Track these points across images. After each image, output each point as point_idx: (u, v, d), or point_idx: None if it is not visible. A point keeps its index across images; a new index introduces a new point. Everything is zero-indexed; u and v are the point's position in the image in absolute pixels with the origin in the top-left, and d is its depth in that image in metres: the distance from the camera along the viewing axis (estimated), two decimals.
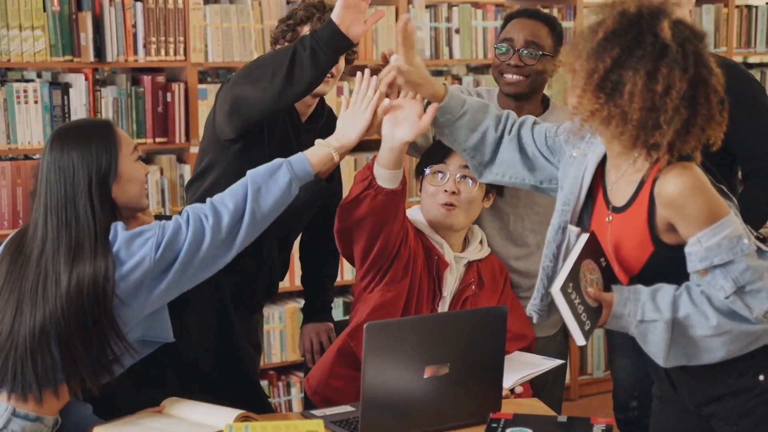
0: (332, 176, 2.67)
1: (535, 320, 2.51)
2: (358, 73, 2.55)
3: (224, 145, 2.90)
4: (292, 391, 4.44)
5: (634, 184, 2.24)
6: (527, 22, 3.02)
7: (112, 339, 2.24)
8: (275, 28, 3.07)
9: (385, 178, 2.57)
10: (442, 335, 2.38)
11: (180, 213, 2.34)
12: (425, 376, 2.33)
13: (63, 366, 2.22)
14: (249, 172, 2.35)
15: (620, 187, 2.27)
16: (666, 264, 2.21)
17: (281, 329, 4.40)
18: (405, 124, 2.53)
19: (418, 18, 4.56)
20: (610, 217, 2.29)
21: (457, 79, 4.75)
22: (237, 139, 2.83)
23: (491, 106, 2.58)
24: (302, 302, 4.37)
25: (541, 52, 2.97)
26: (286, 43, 3.00)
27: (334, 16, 2.59)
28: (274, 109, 2.72)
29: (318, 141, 2.45)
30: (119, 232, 2.28)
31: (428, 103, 2.57)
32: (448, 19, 4.66)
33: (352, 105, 2.55)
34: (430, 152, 2.88)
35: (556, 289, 2.12)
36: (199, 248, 2.28)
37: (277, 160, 2.38)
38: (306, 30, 2.97)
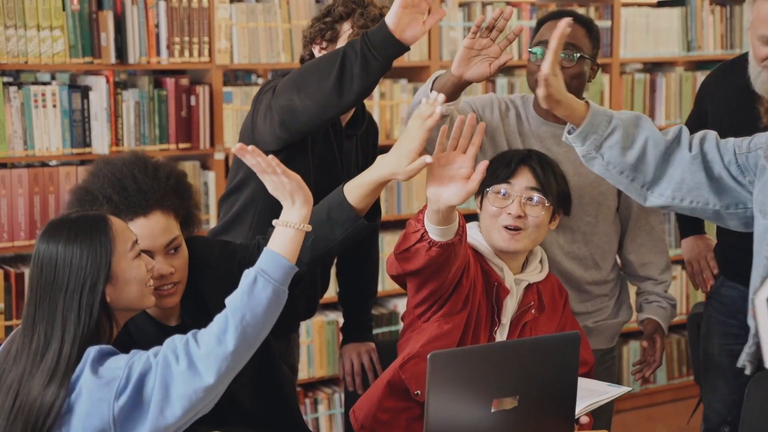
0: (376, 212, 2.44)
1: (747, 371, 2.25)
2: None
3: None
4: (320, 408, 4.25)
5: None
6: None
7: None
8: (310, 27, 2.84)
9: (437, 233, 2.32)
10: (511, 365, 2.19)
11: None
12: (492, 410, 2.14)
13: None
14: (226, 301, 2.04)
15: None
16: None
17: (309, 344, 4.20)
18: (452, 185, 2.22)
19: (450, 17, 4.37)
20: None
21: (490, 81, 4.55)
22: (279, 151, 2.64)
23: (645, 117, 2.29)
24: (330, 315, 4.24)
25: (579, 54, 2.78)
26: (324, 43, 2.81)
27: (389, 18, 2.37)
28: (323, 119, 2.52)
29: (275, 222, 2.13)
30: (86, 368, 1.96)
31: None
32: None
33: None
34: (493, 170, 2.64)
35: (761, 299, 1.86)
36: (168, 394, 1.94)
37: (247, 273, 2.05)
38: (346, 27, 2.77)
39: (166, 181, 2.30)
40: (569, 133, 2.33)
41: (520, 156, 2.67)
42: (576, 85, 2.78)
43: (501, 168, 2.63)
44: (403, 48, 2.40)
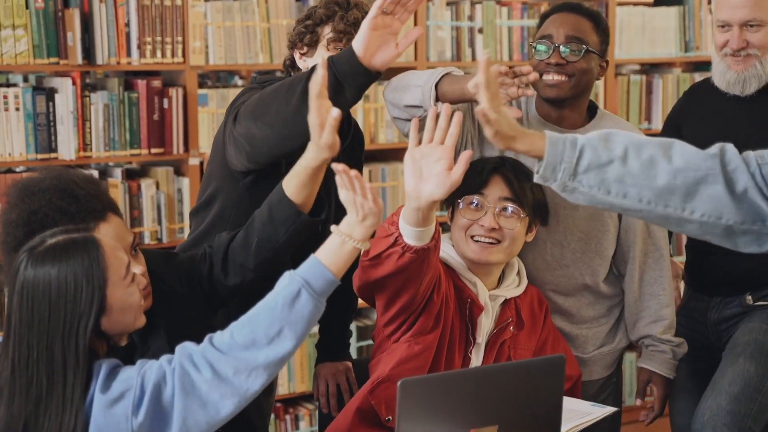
0: (321, 207, 2.26)
1: None
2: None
3: (233, 174, 2.53)
4: (301, 425, 4.07)
5: None
6: (568, 16, 2.64)
7: None
8: (292, 30, 2.69)
9: (413, 236, 2.14)
10: (489, 392, 2.01)
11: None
12: None
13: None
14: (257, 307, 1.87)
15: None
16: None
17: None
18: (432, 178, 2.06)
19: (438, 17, 4.20)
20: None
21: None
22: (248, 173, 2.47)
23: (615, 130, 2.03)
24: (312, 328, 4.05)
25: (585, 48, 2.59)
26: (304, 48, 2.65)
27: (356, 43, 2.18)
28: (285, 150, 2.31)
29: (333, 228, 1.94)
30: (97, 389, 1.85)
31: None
32: (471, 18, 4.29)
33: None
34: (464, 179, 2.47)
35: None
36: (190, 404, 1.85)
37: (289, 282, 1.87)
38: (326, 31, 2.61)
39: (101, 184, 2.21)
40: (536, 172, 2.05)
41: (492, 164, 2.49)
42: (585, 82, 2.61)
43: (473, 177, 2.43)
44: (374, 77, 2.23)
